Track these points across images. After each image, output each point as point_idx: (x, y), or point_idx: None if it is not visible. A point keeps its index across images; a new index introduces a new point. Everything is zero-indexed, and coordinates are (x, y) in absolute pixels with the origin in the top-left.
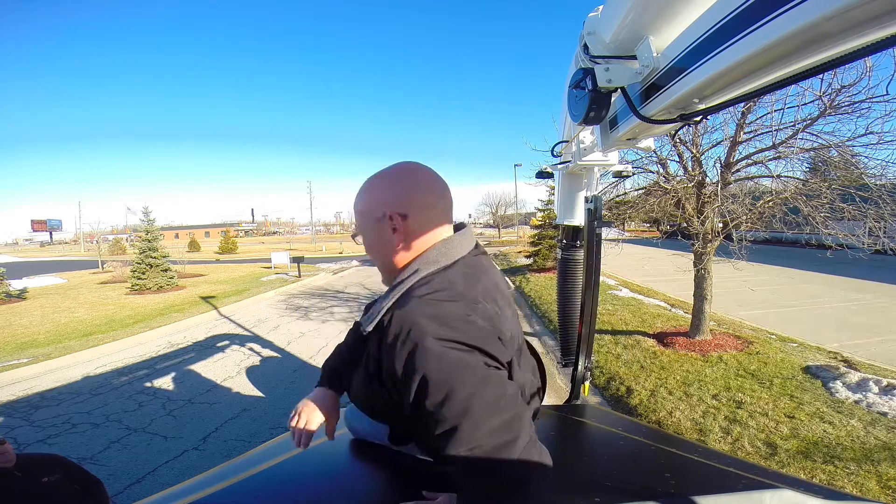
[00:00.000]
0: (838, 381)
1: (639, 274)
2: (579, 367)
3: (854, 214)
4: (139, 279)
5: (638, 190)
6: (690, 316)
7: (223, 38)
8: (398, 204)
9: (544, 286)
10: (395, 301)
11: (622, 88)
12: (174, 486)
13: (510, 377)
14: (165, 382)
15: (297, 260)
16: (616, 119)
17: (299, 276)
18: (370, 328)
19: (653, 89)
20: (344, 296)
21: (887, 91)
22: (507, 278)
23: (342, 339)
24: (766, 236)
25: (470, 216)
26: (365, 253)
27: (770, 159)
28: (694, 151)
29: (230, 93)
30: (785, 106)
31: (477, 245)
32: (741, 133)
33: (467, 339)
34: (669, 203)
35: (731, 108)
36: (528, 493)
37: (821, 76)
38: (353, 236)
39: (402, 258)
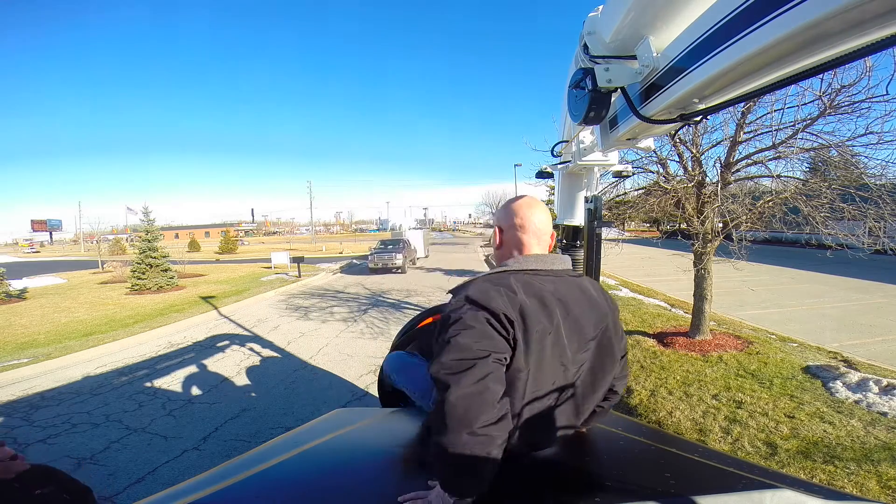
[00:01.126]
0: (838, 381)
1: (639, 274)
2: None
3: (854, 214)
4: (139, 279)
5: (638, 190)
6: (690, 316)
7: (223, 39)
8: (502, 221)
9: None
10: (475, 278)
11: (622, 88)
12: (174, 486)
13: (513, 354)
14: (165, 382)
15: (297, 260)
16: (616, 119)
17: (299, 276)
18: (453, 289)
19: (653, 89)
20: (344, 296)
21: (887, 91)
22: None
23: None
24: (766, 236)
25: (470, 216)
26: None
27: (770, 159)
28: (694, 151)
29: (231, 94)
30: (785, 106)
31: (569, 268)
32: (741, 133)
33: (485, 303)
34: (669, 203)
35: (731, 108)
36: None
37: (821, 76)
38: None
39: (498, 254)
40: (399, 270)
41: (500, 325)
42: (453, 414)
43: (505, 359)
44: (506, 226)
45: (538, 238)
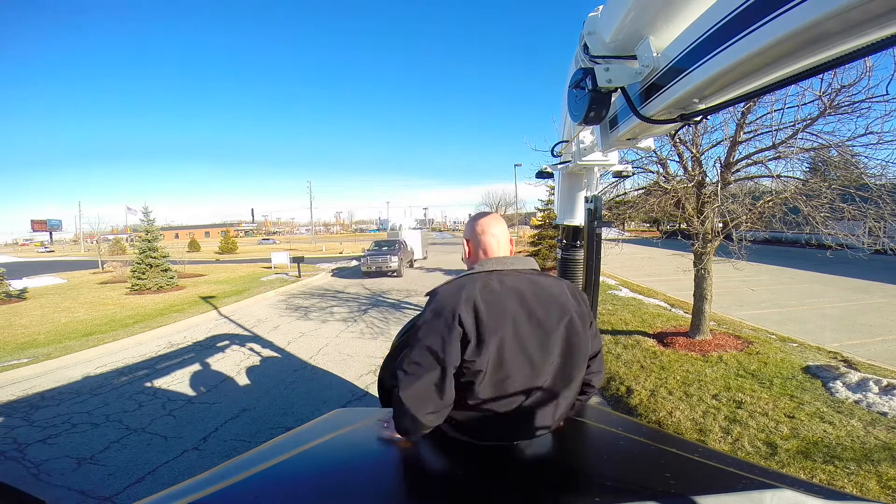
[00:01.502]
0: (838, 381)
1: (639, 274)
2: None
3: (854, 214)
4: (139, 279)
5: (638, 190)
6: (690, 316)
7: (223, 40)
8: (467, 234)
9: None
10: (447, 281)
11: (622, 88)
12: (174, 486)
13: (473, 345)
14: (165, 382)
15: (297, 260)
16: (616, 119)
17: (299, 276)
18: (429, 291)
19: (653, 89)
20: (344, 296)
21: (887, 91)
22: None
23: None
24: (766, 236)
25: (470, 216)
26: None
27: (770, 159)
28: (694, 151)
29: (231, 95)
30: (785, 106)
31: (531, 268)
32: (741, 133)
33: (446, 304)
34: (669, 203)
35: (731, 108)
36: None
37: (821, 76)
38: None
39: (469, 262)
40: (394, 274)
41: (460, 323)
42: (403, 407)
43: (459, 359)
44: (471, 235)
45: (498, 241)
